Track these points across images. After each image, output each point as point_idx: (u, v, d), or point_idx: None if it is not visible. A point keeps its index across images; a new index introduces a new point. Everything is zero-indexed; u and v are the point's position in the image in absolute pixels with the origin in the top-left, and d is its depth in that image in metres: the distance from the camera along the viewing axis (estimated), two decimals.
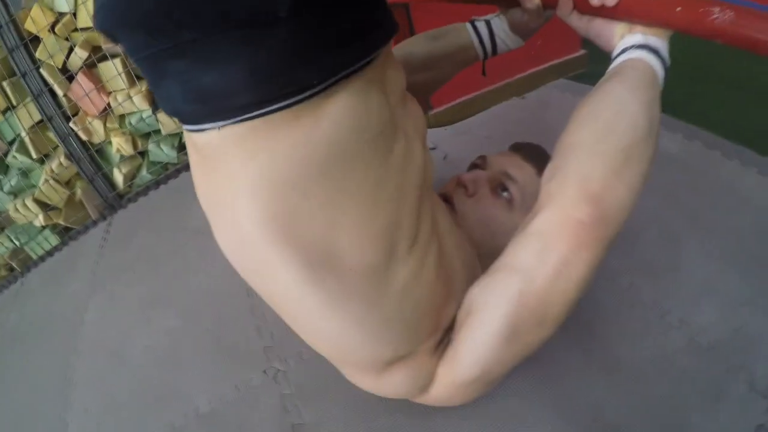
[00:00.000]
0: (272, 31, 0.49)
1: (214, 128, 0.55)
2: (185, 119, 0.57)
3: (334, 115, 0.55)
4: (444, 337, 0.73)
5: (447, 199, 0.89)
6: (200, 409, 1.10)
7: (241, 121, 0.53)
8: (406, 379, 0.73)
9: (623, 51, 0.71)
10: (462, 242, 0.79)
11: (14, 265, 2.36)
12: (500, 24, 0.89)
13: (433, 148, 1.49)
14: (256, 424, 1.01)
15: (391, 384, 0.75)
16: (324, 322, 0.66)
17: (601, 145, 0.62)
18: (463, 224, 0.86)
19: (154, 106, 2.00)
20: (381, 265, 0.62)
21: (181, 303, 1.41)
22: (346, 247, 0.59)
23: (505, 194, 0.87)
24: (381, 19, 0.60)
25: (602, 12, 0.72)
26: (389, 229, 0.61)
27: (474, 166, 0.97)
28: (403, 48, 0.98)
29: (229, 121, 0.54)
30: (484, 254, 0.86)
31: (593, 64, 1.74)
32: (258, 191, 0.56)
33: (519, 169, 0.89)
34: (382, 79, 0.63)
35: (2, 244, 2.33)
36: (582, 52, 1.73)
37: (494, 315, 0.65)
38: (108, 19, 0.53)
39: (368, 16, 0.57)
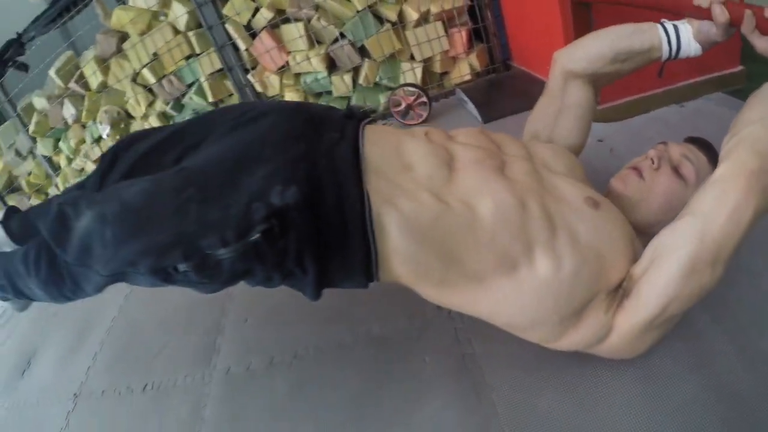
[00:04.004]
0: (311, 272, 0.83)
1: None
2: None
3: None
4: (615, 293, 0.86)
5: (636, 169, 1.01)
6: (372, 332, 1.26)
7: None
8: (584, 336, 0.87)
9: None
10: (605, 220, 0.89)
11: None
12: (686, 31, 0.95)
13: (601, 141, 1.62)
14: (426, 350, 1.15)
15: (570, 342, 0.88)
16: (491, 320, 0.92)
17: None
18: (642, 196, 0.98)
19: (329, 70, 2.23)
20: (513, 275, 0.84)
21: None
22: (480, 276, 0.85)
23: (683, 172, 0.97)
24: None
25: None
26: (504, 259, 0.84)
27: (657, 148, 1.09)
28: (603, 38, 1.05)
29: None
30: (655, 223, 0.97)
31: (750, 81, 1.78)
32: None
33: (695, 155, 0.99)
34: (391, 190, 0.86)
35: None
36: (740, 68, 1.77)
37: (678, 254, 0.78)
38: None
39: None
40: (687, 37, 0.95)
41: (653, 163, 0.99)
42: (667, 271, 0.79)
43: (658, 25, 0.98)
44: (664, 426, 0.85)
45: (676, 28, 0.96)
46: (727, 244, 0.76)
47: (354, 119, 0.97)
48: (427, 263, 0.84)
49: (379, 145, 0.91)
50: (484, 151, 0.96)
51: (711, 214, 0.77)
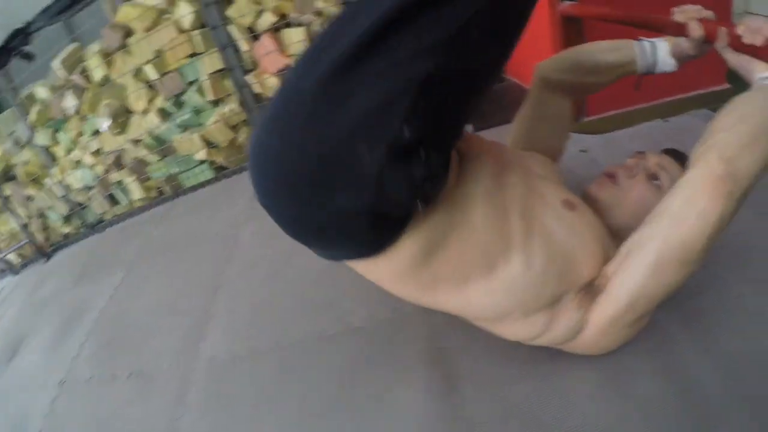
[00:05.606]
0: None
1: None
2: None
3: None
4: (587, 291, 0.90)
5: (611, 176, 1.05)
6: (354, 323, 1.31)
7: None
8: (558, 333, 0.93)
9: (763, 79, 0.87)
10: (579, 221, 0.94)
11: (166, 189, 2.71)
12: (662, 47, 1.03)
13: (584, 151, 1.67)
14: (404, 343, 1.20)
15: (548, 339, 0.95)
16: (462, 314, 1.00)
17: (738, 126, 0.80)
18: (616, 201, 1.03)
19: None
20: (491, 270, 0.90)
21: None
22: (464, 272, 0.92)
23: (656, 182, 1.01)
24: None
25: (750, 50, 0.87)
26: (483, 257, 0.90)
27: (635, 157, 1.14)
28: (581, 52, 1.14)
29: None
30: (629, 227, 0.97)
31: None
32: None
33: (670, 165, 1.03)
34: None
35: (160, 169, 2.68)
36: (726, 86, 1.82)
37: (645, 252, 0.83)
38: None
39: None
40: (663, 53, 1.03)
41: (629, 171, 1.04)
42: (634, 268, 0.85)
43: (635, 42, 1.06)
44: (626, 417, 0.89)
45: (652, 45, 1.04)
46: (693, 246, 0.80)
47: None
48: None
49: None
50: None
51: (677, 216, 0.81)
